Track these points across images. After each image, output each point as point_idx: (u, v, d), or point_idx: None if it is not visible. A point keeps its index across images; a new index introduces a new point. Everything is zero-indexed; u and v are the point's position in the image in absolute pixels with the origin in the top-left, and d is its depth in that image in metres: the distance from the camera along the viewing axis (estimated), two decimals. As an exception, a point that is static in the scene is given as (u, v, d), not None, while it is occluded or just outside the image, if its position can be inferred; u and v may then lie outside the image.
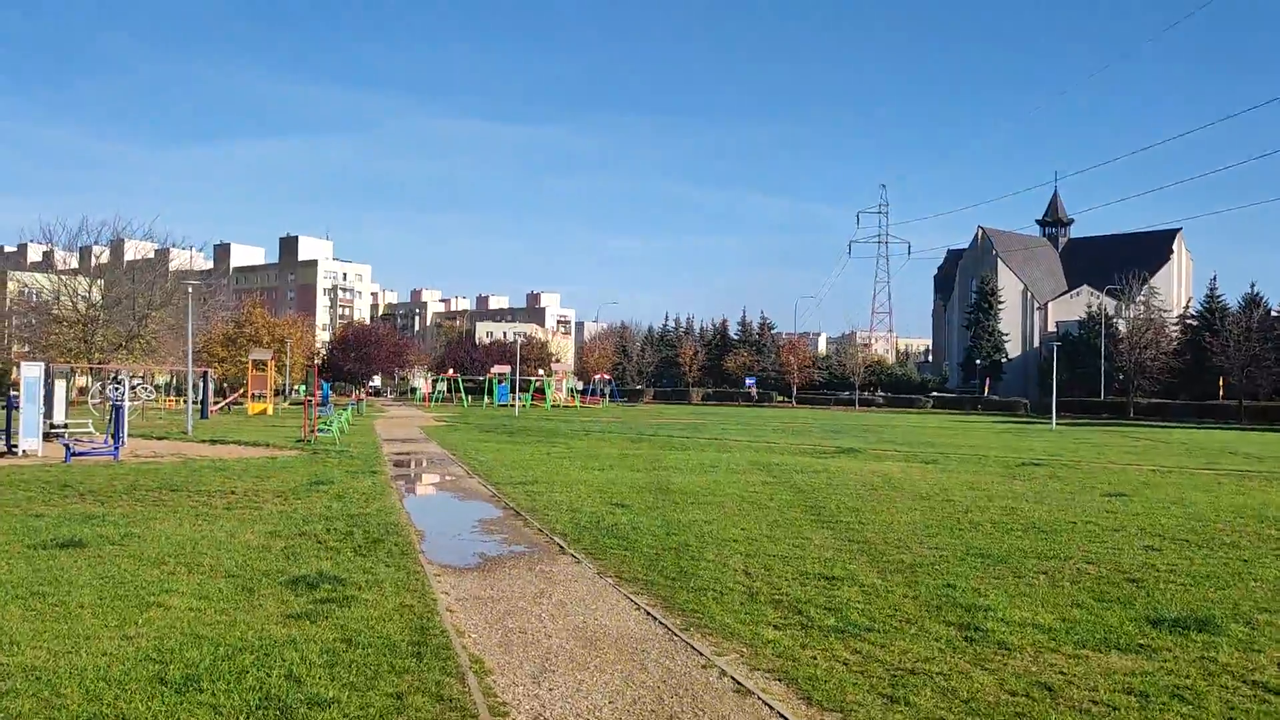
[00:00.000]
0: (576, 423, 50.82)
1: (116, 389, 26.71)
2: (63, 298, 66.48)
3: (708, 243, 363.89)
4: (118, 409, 22.79)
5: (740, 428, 47.70)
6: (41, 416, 29.27)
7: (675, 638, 7.95)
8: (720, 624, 8.38)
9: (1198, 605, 9.33)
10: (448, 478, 21.59)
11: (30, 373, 23.11)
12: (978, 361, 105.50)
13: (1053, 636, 8.11)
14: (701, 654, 7.46)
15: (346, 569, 10.24)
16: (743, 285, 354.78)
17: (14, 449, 22.86)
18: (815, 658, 7.43)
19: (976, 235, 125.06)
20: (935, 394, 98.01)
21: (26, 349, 69.34)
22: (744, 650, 7.60)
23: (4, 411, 23.75)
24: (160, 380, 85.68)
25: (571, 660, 7.29)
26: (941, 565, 11.23)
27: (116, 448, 22.37)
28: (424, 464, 25.79)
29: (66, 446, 21.61)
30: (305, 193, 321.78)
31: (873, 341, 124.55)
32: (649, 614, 8.75)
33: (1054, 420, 58.51)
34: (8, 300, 79.13)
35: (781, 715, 6.19)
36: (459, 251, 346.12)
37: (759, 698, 6.51)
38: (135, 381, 46.80)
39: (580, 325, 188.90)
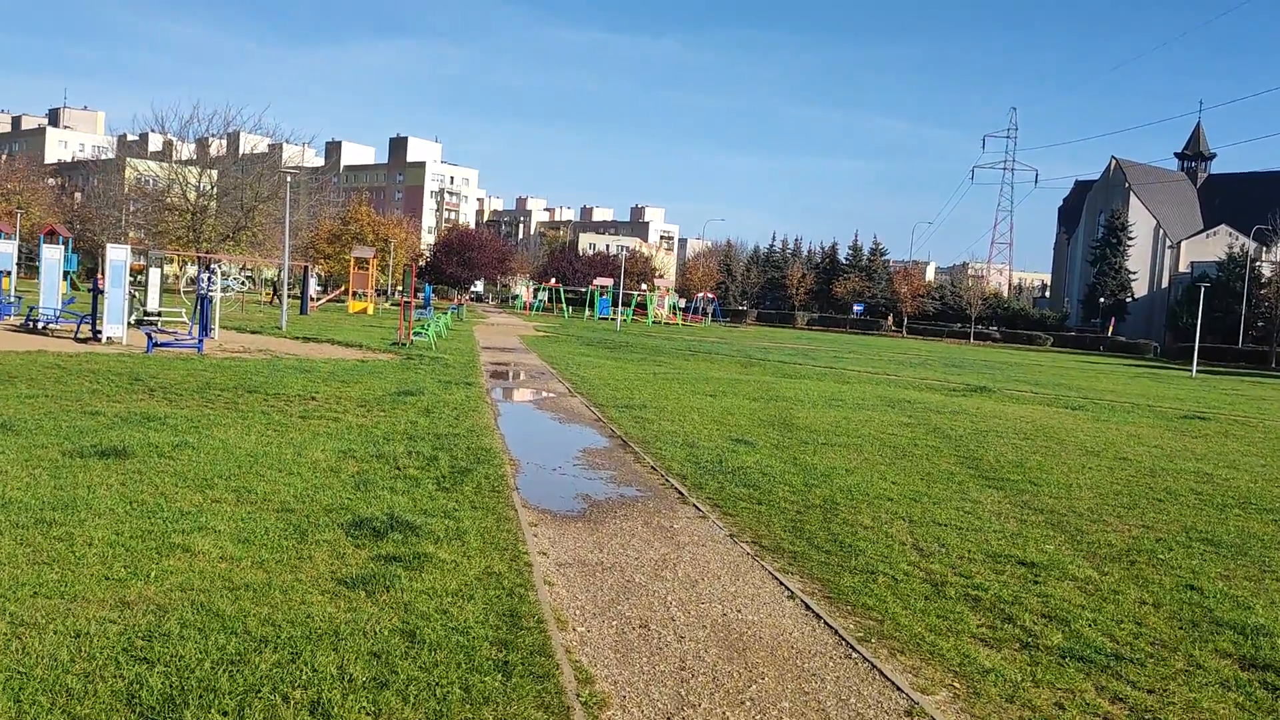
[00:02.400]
0: (680, 341, 48.70)
1: (208, 279, 25.39)
2: (175, 186, 66.65)
3: (817, 164, 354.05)
4: (203, 300, 21.42)
5: (853, 356, 44.98)
6: (135, 303, 28.41)
7: (853, 654, 5.79)
8: (909, 633, 6.20)
9: None
10: (547, 395, 19.71)
11: (116, 256, 21.85)
12: (1101, 300, 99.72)
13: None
14: (898, 688, 5.30)
15: (424, 510, 8.32)
16: (851, 210, 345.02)
17: (99, 335, 21.75)
18: (1063, 706, 5.21)
19: (1109, 166, 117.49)
20: (1055, 331, 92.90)
21: (141, 235, 70.07)
22: (956, 686, 5.41)
23: (93, 297, 22.62)
24: (268, 274, 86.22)
25: (716, 685, 5.20)
26: (1164, 553, 8.83)
27: (201, 340, 21.05)
28: (522, 377, 24.03)
29: (149, 336, 20.35)
30: (417, 97, 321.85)
31: (988, 273, 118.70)
32: (808, 608, 6.62)
33: (1194, 367, 54.16)
34: (125, 187, 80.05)
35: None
36: (565, 162, 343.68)
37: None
38: (229, 273, 46.17)
39: (683, 242, 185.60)
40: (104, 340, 21.59)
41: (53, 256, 25.28)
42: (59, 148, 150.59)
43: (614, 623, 6.06)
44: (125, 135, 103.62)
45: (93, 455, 9.54)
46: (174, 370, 17.48)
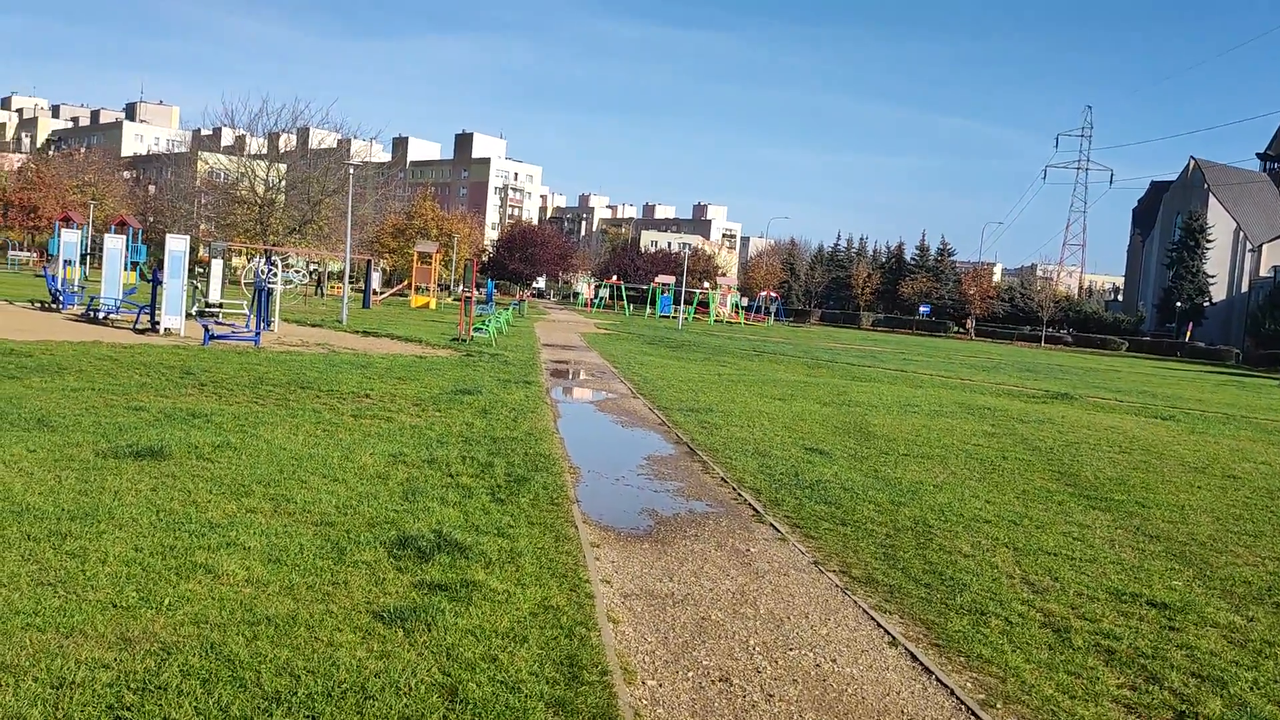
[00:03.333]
0: (743, 340, 47.67)
1: (270, 271, 25.02)
2: (243, 180, 67.21)
3: (881, 163, 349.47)
4: (260, 291, 20.97)
5: (923, 359, 43.54)
6: (196, 294, 28.22)
7: (977, 724, 4.86)
8: (1039, 696, 5.25)
9: None
10: (608, 396, 18.90)
11: (175, 246, 21.50)
12: (1177, 304, 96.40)
13: None
14: (1039, 774, 4.36)
15: (476, 526, 7.54)
16: (916, 209, 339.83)
17: (157, 326, 21.43)
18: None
19: (1187, 166, 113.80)
20: (1129, 336, 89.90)
21: (212, 229, 70.82)
22: (1109, 771, 4.46)
23: (152, 288, 22.33)
24: (334, 267, 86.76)
25: (816, 763, 4.32)
26: (1312, 596, 7.73)
27: (258, 333, 20.60)
28: (583, 377, 23.26)
29: (205, 328, 19.94)
30: (482, 93, 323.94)
31: (1059, 275, 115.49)
32: (915, 659, 5.69)
33: (1282, 377, 51.67)
34: (197, 180, 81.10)
35: None
36: (627, 159, 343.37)
37: None
38: (294, 265, 46.11)
39: (745, 240, 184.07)
40: (162, 331, 21.27)
41: (114, 247, 25.11)
42: (135, 141, 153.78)
43: (689, 674, 5.20)
44: (199, 130, 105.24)
45: (127, 456, 8.92)
46: (228, 364, 16.99)
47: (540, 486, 9.34)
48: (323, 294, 31.42)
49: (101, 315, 23.78)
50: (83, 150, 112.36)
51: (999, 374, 36.37)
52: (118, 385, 13.36)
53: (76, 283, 27.19)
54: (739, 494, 10.08)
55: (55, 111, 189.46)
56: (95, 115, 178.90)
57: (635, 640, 5.65)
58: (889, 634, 6.07)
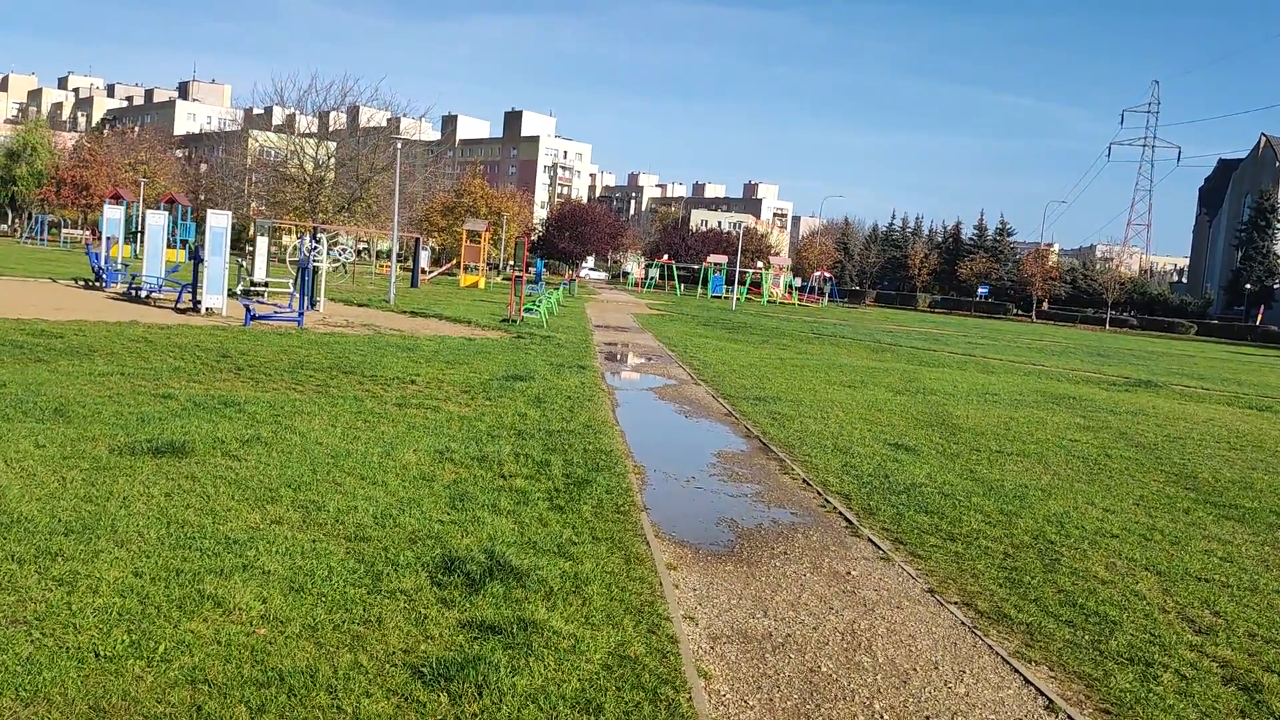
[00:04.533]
0: (799, 322, 46.29)
1: (315, 248, 24.20)
2: (293, 158, 66.89)
3: (935, 143, 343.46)
4: (305, 270, 20.10)
5: (988, 343, 41.89)
6: (241, 273, 27.53)
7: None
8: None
9: None
10: (669, 383, 17.80)
11: (216, 222, 20.71)
12: (1246, 286, 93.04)
13: None
14: None
15: (533, 543, 6.51)
16: (970, 189, 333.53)
17: (198, 306, 20.69)
18: None
19: (1258, 144, 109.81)
20: (1197, 319, 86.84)
21: (262, 207, 70.73)
22: None
23: (193, 266, 21.59)
24: (383, 246, 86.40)
25: None
26: None
27: (301, 313, 19.76)
28: (639, 361, 22.18)
29: (247, 308, 19.13)
30: (533, 72, 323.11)
31: (1123, 256, 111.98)
32: (1085, 733, 4.54)
33: (1366, 363, 49.17)
34: (248, 159, 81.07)
35: None
36: (677, 138, 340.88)
37: None
38: (341, 243, 45.48)
39: (796, 220, 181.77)
40: (203, 311, 20.52)
41: (156, 223, 24.43)
42: (187, 120, 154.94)
43: (809, 757, 4.10)
44: (251, 109, 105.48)
45: (146, 453, 8.00)
46: (267, 346, 16.14)
47: (603, 490, 8.28)
48: (390, 274, 30.50)
49: (144, 294, 23.13)
50: (136, 129, 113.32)
51: (1070, 359, 34.71)
52: (148, 370, 12.51)
53: (120, 260, 26.59)
54: (826, 499, 8.94)
55: (110, 91, 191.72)
56: (149, 94, 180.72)
57: (734, 703, 4.56)
58: (1044, 695, 4.92)
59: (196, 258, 20.97)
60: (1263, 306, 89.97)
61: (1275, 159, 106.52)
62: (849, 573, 6.79)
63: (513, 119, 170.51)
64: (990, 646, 5.55)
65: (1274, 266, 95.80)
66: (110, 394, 10.51)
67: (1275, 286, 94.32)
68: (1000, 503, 9.20)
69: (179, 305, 21.46)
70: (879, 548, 7.42)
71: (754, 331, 35.06)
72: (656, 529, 7.46)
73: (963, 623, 5.91)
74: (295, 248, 25.48)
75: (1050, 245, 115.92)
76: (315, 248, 24.40)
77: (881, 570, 6.90)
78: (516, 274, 31.61)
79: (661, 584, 6.01)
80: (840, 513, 8.47)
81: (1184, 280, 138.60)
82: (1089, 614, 6.20)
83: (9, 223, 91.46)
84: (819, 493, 9.22)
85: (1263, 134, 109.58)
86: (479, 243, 59.83)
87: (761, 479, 9.80)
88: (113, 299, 23.10)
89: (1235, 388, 26.97)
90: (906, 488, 9.56)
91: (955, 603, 6.28)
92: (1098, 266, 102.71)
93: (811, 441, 11.95)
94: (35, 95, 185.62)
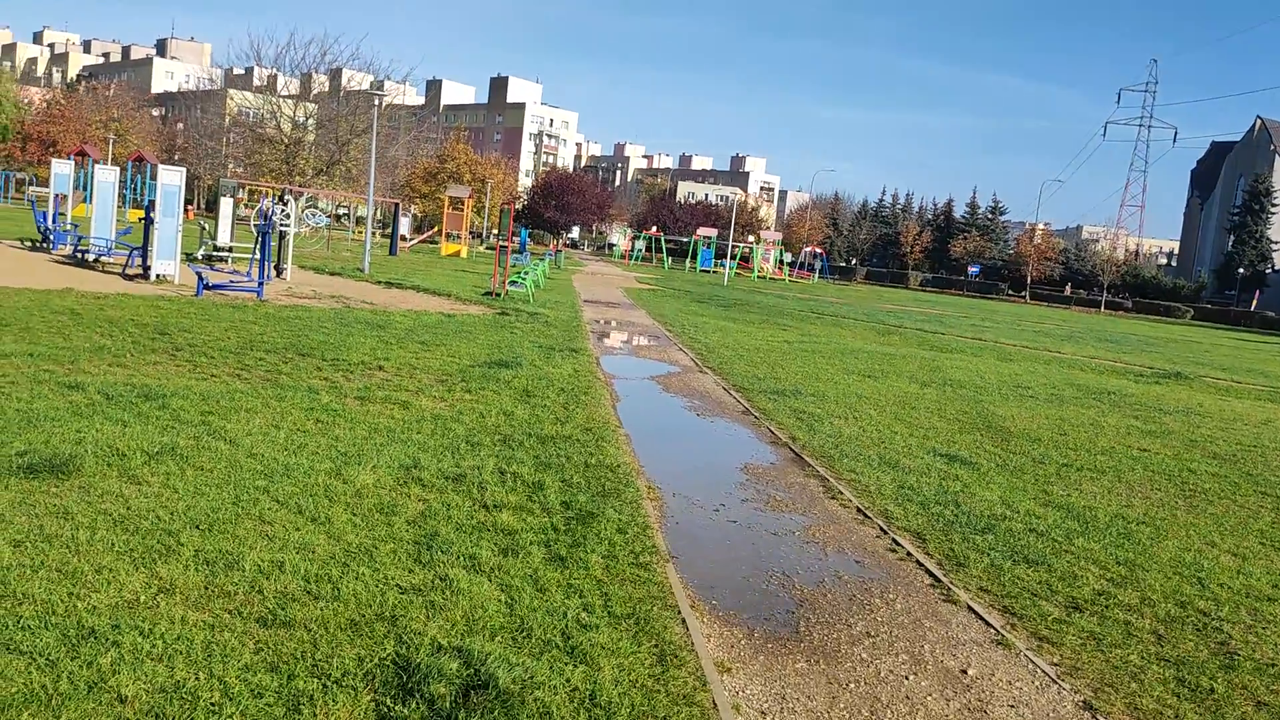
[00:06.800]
0: (795, 300, 44.41)
1: (281, 211, 22.07)
2: (270, 118, 64.30)
3: (925, 120, 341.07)
4: (265, 235, 17.99)
5: (990, 324, 40.13)
6: (204, 236, 25.38)
7: None
8: None
9: None
10: (672, 370, 15.86)
11: (169, 179, 18.54)
12: (1239, 270, 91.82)
13: None
14: None
15: (527, 630, 4.61)
16: (959, 168, 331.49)
17: (148, 272, 18.58)
18: None
19: (1253, 126, 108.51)
20: (1191, 303, 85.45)
21: (238, 168, 68.12)
22: None
23: (144, 228, 19.44)
24: (363, 211, 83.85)
25: None
26: None
27: (261, 283, 17.69)
28: (636, 343, 20.24)
29: (199, 275, 17.03)
30: (519, 37, 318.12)
31: (1118, 238, 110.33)
32: None
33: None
34: (226, 119, 78.19)
35: None
36: (663, 109, 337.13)
37: None
38: (315, 207, 43.16)
39: (783, 194, 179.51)
40: (153, 278, 18.42)
41: (106, 179, 22.20)
42: (165, 78, 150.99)
43: None
44: (231, 69, 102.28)
45: (14, 471, 6.05)
46: (217, 321, 14.11)
47: (614, 528, 6.39)
48: (365, 241, 28.34)
49: (91, 257, 20.97)
50: (111, 85, 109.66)
51: (1081, 345, 32.96)
52: (64, 350, 10.48)
53: (70, 220, 24.37)
54: (894, 540, 7.07)
55: (87, 47, 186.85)
56: (126, 51, 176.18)
57: None
58: None
59: (147, 219, 18.82)
60: (1257, 291, 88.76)
61: (1270, 142, 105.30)
62: (964, 670, 4.92)
63: (498, 85, 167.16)
64: (1218, 825, 3.70)
65: (1267, 251, 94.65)
66: (4, 382, 8.50)
67: (1268, 271, 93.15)
68: (1108, 545, 7.35)
69: (127, 271, 19.33)
70: (989, 625, 5.56)
71: (751, 309, 33.16)
72: (691, 594, 5.57)
73: (1157, 772, 4.05)
74: (257, 210, 23.30)
75: (1047, 225, 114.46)
76: (282, 210, 22.26)
77: (1006, 665, 5.03)
78: (501, 244, 29.54)
79: (716, 705, 4.12)
80: (918, 562, 6.60)
81: (1173, 264, 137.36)
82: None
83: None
84: (882, 528, 7.35)
85: (1258, 116, 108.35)
86: (462, 210, 57.60)
87: (805, 506, 7.92)
88: (57, 262, 20.93)
89: (1263, 380, 25.30)
90: (986, 521, 7.70)
91: (1128, 729, 4.42)
92: (1090, 248, 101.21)
93: (850, 451, 10.08)
94: (10, 50, 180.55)
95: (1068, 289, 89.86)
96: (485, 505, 6.62)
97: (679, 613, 5.14)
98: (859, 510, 7.84)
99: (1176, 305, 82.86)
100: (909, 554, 6.77)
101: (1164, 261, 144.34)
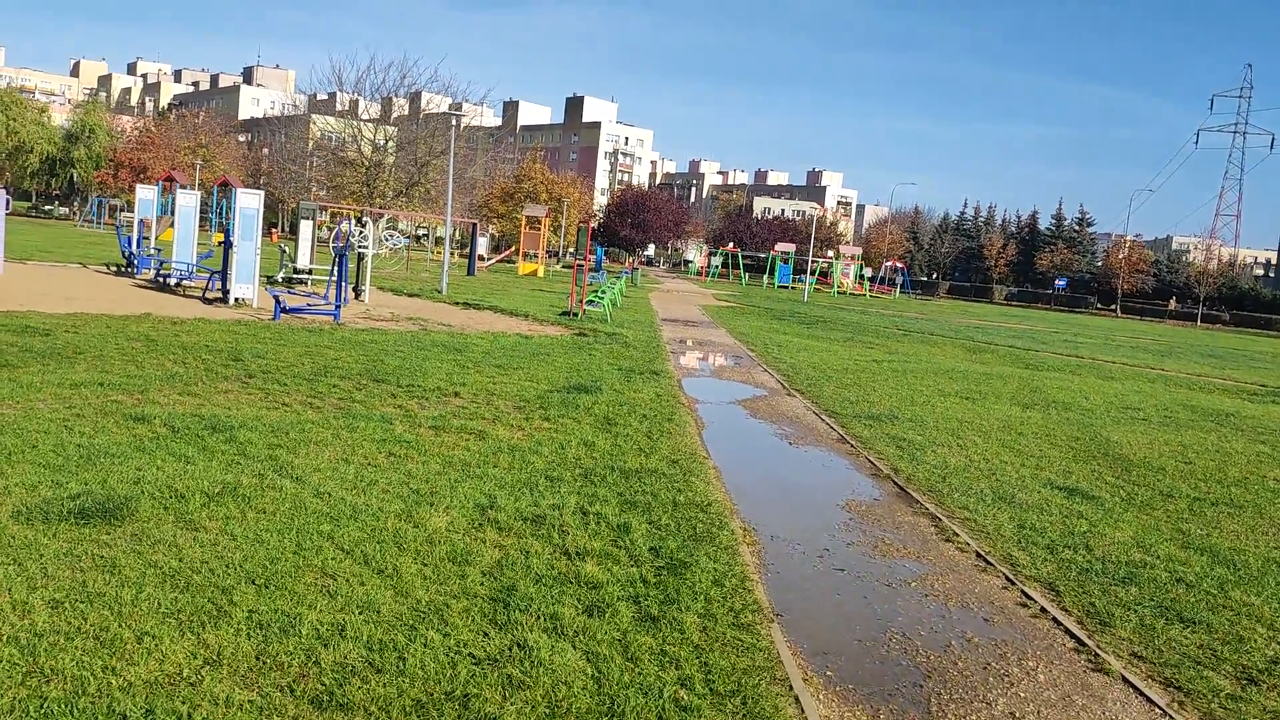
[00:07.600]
0: (878, 315, 43.26)
1: (360, 233, 21.93)
2: (351, 141, 65.28)
3: (1006, 131, 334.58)
4: (341, 258, 17.77)
5: (1085, 340, 38.52)
6: (285, 259, 25.42)
7: None
8: None
9: None
10: (758, 393, 15.14)
11: (248, 203, 18.47)
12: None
13: None
14: None
15: (619, 702, 3.99)
16: (1045, 179, 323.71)
17: (227, 296, 18.50)
18: None
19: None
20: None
21: (321, 191, 69.25)
22: None
23: (223, 252, 19.41)
24: (442, 232, 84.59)
25: None
26: None
27: (338, 307, 17.45)
28: (718, 364, 19.56)
29: (276, 299, 16.85)
30: (595, 58, 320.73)
31: (1213, 249, 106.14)
32: None
33: None
34: (310, 143, 79.72)
35: None
36: (739, 125, 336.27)
37: None
38: (394, 229, 43.38)
39: (861, 208, 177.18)
40: (232, 302, 18.33)
41: (187, 204, 22.33)
42: (251, 105, 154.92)
43: None
44: (315, 94, 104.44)
45: (65, 517, 5.63)
46: (292, 346, 13.82)
47: (710, 580, 5.75)
48: (444, 262, 28.20)
49: (172, 282, 21.04)
50: (200, 113, 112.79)
51: (1183, 361, 31.33)
52: (135, 379, 10.19)
53: (154, 244, 24.59)
54: (1024, 592, 6.28)
55: (177, 76, 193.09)
56: (215, 80, 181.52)
57: None
58: None
59: (227, 242, 18.76)
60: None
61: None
62: (1134, 767, 4.15)
63: (574, 105, 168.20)
64: None
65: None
66: (66, 416, 8.18)
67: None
68: (1269, 598, 6.47)
69: (207, 295, 19.31)
70: (1152, 703, 4.76)
71: (834, 327, 32.23)
72: (802, 663, 4.89)
73: None
74: (335, 233, 23.20)
75: (1138, 237, 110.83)
76: (360, 233, 22.12)
77: (1182, 759, 4.25)
78: (578, 262, 29.14)
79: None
80: (1055, 620, 5.81)
81: (1270, 274, 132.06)
82: None
83: (71, 206, 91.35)
84: (1007, 578, 6.57)
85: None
86: (539, 229, 57.58)
87: (918, 550, 7.16)
88: (139, 287, 21.04)
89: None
90: (1125, 569, 6.86)
91: None
92: (1185, 259, 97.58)
93: (959, 484, 9.27)
94: (105, 81, 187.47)
95: (1171, 303, 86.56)
96: (567, 552, 6.03)
97: (790, 688, 4.47)
98: (979, 555, 7.06)
99: (1277, 318, 79.24)
100: (1043, 609, 5.98)
101: (1260, 272, 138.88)
